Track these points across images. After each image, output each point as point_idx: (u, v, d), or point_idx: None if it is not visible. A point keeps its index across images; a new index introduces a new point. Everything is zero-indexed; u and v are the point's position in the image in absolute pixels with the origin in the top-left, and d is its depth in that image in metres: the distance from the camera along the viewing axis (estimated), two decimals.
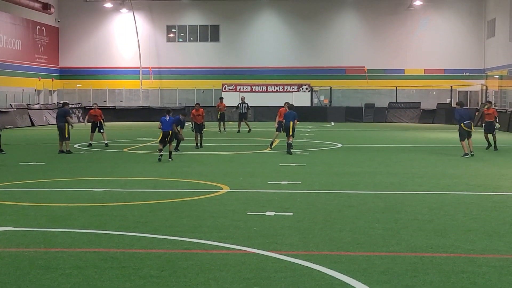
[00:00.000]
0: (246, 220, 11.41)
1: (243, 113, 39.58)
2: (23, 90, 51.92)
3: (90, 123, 28.48)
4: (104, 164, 21.10)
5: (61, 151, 24.34)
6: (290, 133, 24.25)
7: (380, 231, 10.60)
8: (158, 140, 22.23)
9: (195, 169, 19.59)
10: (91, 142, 27.94)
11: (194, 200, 13.79)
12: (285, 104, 26.26)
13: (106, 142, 27.72)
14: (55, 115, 50.58)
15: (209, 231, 10.52)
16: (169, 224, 11.09)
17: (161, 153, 21.55)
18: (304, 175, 17.79)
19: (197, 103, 29.38)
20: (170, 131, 21.83)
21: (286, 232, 10.48)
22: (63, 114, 25.18)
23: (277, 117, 26.71)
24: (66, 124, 24.64)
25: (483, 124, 26.64)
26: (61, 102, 31.75)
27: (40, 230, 10.60)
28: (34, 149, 27.17)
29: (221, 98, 40.70)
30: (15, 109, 45.95)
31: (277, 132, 26.83)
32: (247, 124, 38.94)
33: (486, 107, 27.36)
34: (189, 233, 10.38)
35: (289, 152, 24.04)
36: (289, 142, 24.41)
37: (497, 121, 25.98)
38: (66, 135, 24.44)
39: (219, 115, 38.65)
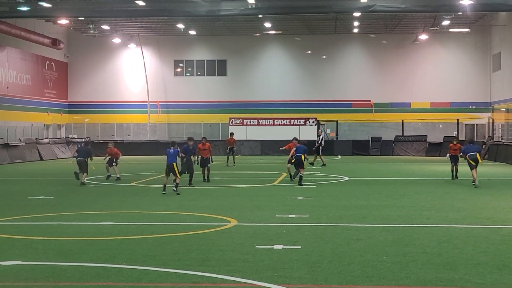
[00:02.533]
0: (254, 254, 11.40)
1: (319, 147, 38.86)
2: (32, 124, 52.23)
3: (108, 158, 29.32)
4: (112, 198, 21.15)
5: (83, 183, 25.58)
6: (302, 166, 25.79)
7: (389, 264, 10.58)
8: (165, 173, 22.34)
9: (202, 202, 19.60)
10: (109, 174, 28.73)
11: (202, 233, 13.80)
12: (293, 139, 28.12)
13: (118, 176, 28.33)
14: (63, 149, 51.19)
15: (217, 265, 10.52)
16: (178, 258, 11.09)
17: (164, 191, 21.54)
18: (311, 208, 17.79)
19: (203, 137, 29.36)
20: (175, 163, 21.89)
21: (294, 266, 10.47)
22: (86, 152, 26.73)
23: (291, 151, 27.17)
24: (88, 159, 26.42)
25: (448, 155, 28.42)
26: (85, 139, 33.08)
27: (48, 264, 10.61)
28: (42, 183, 27.23)
29: (232, 133, 41.15)
30: (24, 144, 46.19)
31: (289, 165, 27.41)
32: (321, 158, 38.44)
33: (454, 142, 28.92)
34: (198, 266, 10.38)
35: (300, 184, 24.91)
36: (301, 174, 25.59)
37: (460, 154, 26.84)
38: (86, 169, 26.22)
39: (228, 149, 39.03)
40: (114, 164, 28.65)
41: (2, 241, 12.83)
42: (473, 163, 24.26)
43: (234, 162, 39.04)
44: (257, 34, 58.73)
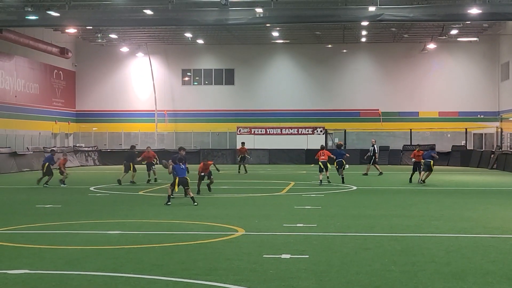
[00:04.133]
0: (262, 263, 11.36)
1: (371, 156, 38.69)
2: (39, 133, 52.38)
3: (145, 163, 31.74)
4: (120, 207, 21.14)
5: (132, 182, 30.25)
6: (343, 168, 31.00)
7: (397, 274, 10.52)
8: (170, 184, 22.11)
9: (210, 211, 19.57)
10: (149, 178, 31.44)
11: (210, 242, 13.76)
12: (321, 146, 31.85)
13: (155, 177, 31.46)
14: (71, 158, 51.27)
15: (225, 274, 10.48)
16: (185, 267, 11.05)
17: (169, 202, 21.32)
18: (319, 218, 17.73)
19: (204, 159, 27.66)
20: (187, 178, 21.67)
21: (302, 275, 10.42)
22: (131, 156, 30.98)
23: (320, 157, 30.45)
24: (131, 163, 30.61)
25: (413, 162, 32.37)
26: (131, 145, 35.86)
27: (56, 272, 10.59)
28: (50, 192, 27.23)
29: (243, 143, 41.79)
30: (31, 152, 46.27)
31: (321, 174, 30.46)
32: (376, 167, 38.55)
33: (417, 149, 33.25)
34: (205, 276, 10.34)
35: (343, 183, 30.07)
36: (342, 176, 30.86)
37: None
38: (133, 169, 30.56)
39: (240, 158, 40.03)
40: (153, 167, 31.44)
41: (9, 249, 12.83)
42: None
43: (246, 171, 39.85)
44: (266, 44, 58.83)
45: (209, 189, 25.72)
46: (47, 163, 29.76)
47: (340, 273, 10.62)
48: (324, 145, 34.39)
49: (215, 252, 12.53)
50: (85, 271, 10.68)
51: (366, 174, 37.70)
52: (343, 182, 30.46)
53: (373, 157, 38.51)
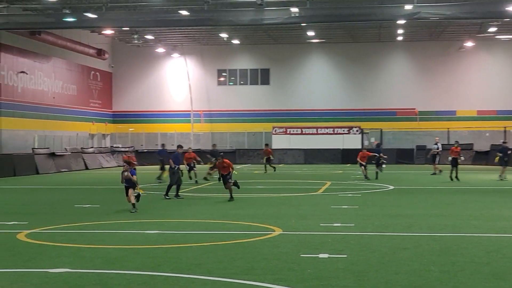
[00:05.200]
0: (299, 262, 11.34)
1: (434, 155, 38.03)
2: (77, 134, 52.95)
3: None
4: (157, 206, 21.28)
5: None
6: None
7: (436, 274, 10.42)
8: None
9: (247, 211, 19.60)
10: (196, 179, 31.58)
11: (247, 242, 13.77)
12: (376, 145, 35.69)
13: (196, 179, 31.39)
14: (108, 158, 51.78)
15: (263, 273, 10.48)
16: (223, 266, 11.08)
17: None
18: (356, 217, 17.64)
19: (221, 154, 28.49)
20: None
21: (340, 275, 10.38)
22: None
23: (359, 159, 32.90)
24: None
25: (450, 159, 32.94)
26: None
27: (95, 271, 10.69)
28: (88, 192, 27.53)
29: (267, 145, 42.28)
30: (69, 153, 46.83)
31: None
32: (434, 167, 37.89)
33: (455, 145, 33.79)
34: (243, 275, 10.35)
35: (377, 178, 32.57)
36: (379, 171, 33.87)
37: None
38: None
39: (265, 159, 40.53)
40: (194, 168, 31.50)
41: (50, 249, 12.99)
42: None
43: (274, 169, 40.55)
44: (301, 43, 58.73)
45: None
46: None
47: (378, 273, 10.55)
48: (364, 145, 35.36)
49: (252, 251, 12.54)
50: (124, 270, 10.76)
51: (436, 173, 37.05)
52: (376, 178, 33.14)
53: (437, 155, 37.89)
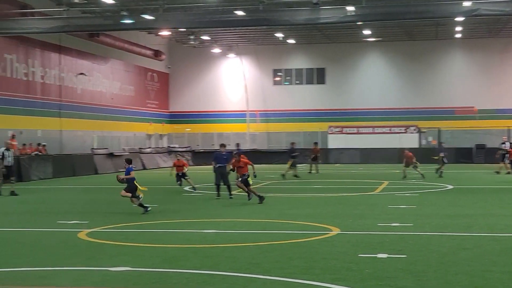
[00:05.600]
0: (358, 262, 11.27)
1: (505, 154, 37.36)
2: (134, 134, 53.66)
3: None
4: (214, 206, 21.41)
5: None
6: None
7: (498, 275, 10.23)
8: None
9: (303, 211, 19.56)
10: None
11: (304, 241, 13.75)
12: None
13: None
14: (165, 158, 52.30)
15: (321, 273, 10.44)
16: (280, 266, 11.07)
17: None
18: (415, 217, 17.44)
19: (237, 152, 27.21)
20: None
21: (399, 275, 10.27)
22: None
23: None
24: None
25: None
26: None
27: (155, 270, 10.81)
28: (146, 191, 27.76)
29: (316, 143, 42.05)
30: (127, 153, 47.40)
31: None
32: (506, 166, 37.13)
33: None
34: (301, 274, 10.33)
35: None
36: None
37: None
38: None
39: (312, 158, 40.63)
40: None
41: (110, 247, 13.19)
42: None
43: (317, 171, 40.01)
44: (357, 42, 58.35)
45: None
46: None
47: (438, 273, 10.41)
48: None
49: (310, 251, 12.50)
50: (183, 269, 10.84)
51: (510, 172, 36.43)
52: (440, 176, 34.16)
53: (507, 154, 37.14)
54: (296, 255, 12.00)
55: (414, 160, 33.40)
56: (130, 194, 19.47)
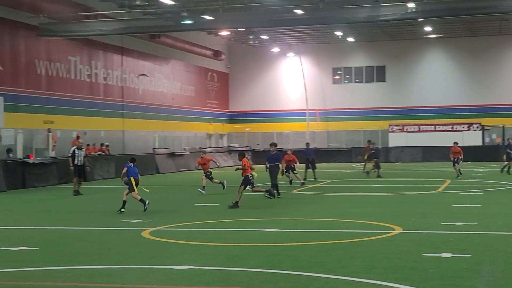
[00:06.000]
0: (421, 262, 11.13)
1: None
2: (195, 134, 54.11)
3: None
4: (275, 205, 21.42)
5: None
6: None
7: None
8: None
9: (365, 209, 19.43)
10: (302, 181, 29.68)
11: (366, 240, 13.66)
12: (454, 143, 33.71)
13: (302, 181, 29.44)
14: (225, 158, 52.60)
15: (384, 272, 10.36)
16: (343, 265, 11.03)
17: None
18: (479, 216, 17.15)
19: (243, 151, 26.60)
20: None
21: (465, 274, 10.12)
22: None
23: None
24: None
25: None
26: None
27: (218, 269, 10.88)
28: (207, 190, 27.98)
29: (369, 141, 41.30)
30: (188, 153, 47.89)
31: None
32: None
33: None
34: (364, 273, 10.27)
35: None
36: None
37: None
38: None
39: (366, 156, 39.11)
40: (295, 172, 29.32)
41: (173, 246, 13.34)
42: None
43: (374, 170, 39.08)
44: (418, 39, 57.62)
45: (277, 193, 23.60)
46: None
47: (505, 273, 10.23)
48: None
49: (372, 250, 12.42)
50: (246, 268, 10.89)
51: None
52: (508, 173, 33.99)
53: None
54: (358, 254, 11.94)
55: (459, 156, 33.32)
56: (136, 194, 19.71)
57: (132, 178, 19.70)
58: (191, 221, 17.33)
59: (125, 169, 20.00)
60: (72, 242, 14.02)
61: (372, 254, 11.98)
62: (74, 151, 26.34)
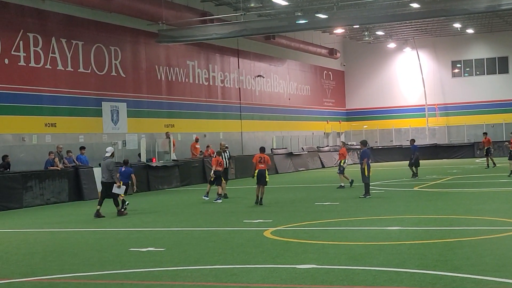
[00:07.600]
0: None
1: None
2: (312, 133, 54.09)
3: None
4: (396, 203, 21.12)
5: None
6: None
7: None
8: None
9: (491, 206, 18.83)
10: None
11: (495, 238, 13.20)
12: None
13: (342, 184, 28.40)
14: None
15: None
16: (471, 263, 10.71)
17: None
18: None
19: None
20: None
21: None
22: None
23: None
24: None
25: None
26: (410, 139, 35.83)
27: (341, 268, 10.81)
28: (326, 189, 27.97)
29: (485, 133, 39.87)
30: (306, 152, 47.95)
31: None
32: None
33: None
34: (494, 272, 9.92)
35: None
36: None
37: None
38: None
39: (485, 151, 38.62)
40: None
41: (295, 245, 13.37)
42: None
43: (494, 164, 38.08)
44: None
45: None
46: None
47: None
48: None
49: (502, 247, 12.00)
50: (369, 267, 10.76)
51: None
52: None
53: None
54: (487, 252, 11.56)
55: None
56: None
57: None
58: (312, 220, 17.33)
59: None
60: (198, 243, 14.31)
61: (502, 251, 11.58)
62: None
